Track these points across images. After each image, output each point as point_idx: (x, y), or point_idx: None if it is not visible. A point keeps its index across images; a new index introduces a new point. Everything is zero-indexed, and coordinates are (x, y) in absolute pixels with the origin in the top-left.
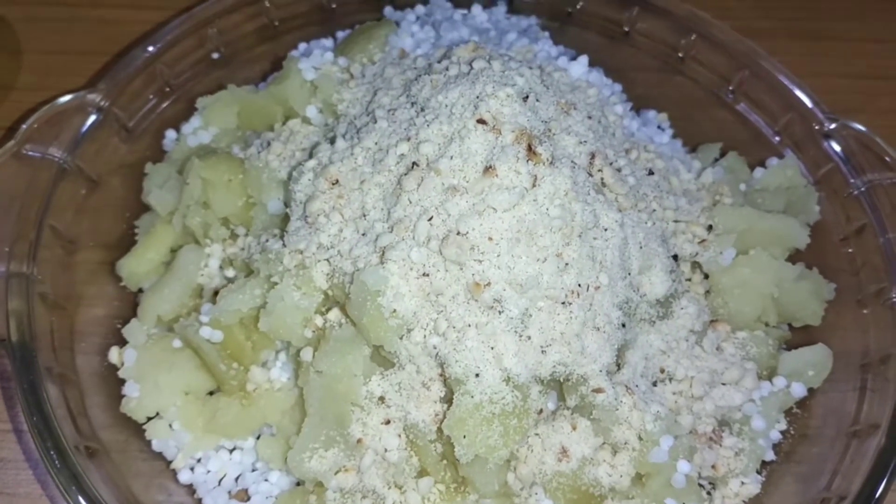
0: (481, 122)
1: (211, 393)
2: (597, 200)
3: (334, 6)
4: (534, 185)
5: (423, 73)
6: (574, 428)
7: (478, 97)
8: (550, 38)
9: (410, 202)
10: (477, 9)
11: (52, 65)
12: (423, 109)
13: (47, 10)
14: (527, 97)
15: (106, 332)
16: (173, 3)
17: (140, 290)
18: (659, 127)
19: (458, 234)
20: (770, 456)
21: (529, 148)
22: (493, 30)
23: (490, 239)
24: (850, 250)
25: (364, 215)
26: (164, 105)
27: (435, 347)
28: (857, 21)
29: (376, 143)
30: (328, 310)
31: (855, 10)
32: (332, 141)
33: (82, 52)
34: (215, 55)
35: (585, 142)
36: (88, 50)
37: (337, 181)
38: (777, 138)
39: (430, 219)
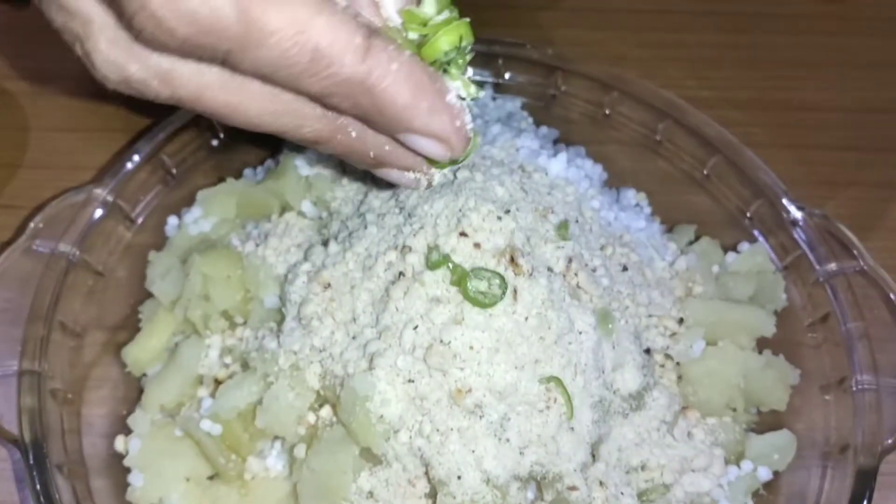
0: (464, 234)
1: (211, 477)
2: (571, 305)
3: None
4: (514, 299)
5: None
6: None
7: (460, 210)
8: (534, 121)
9: (397, 310)
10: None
11: (58, 142)
12: (410, 216)
13: (53, 85)
14: (508, 210)
15: (111, 415)
16: None
17: (144, 375)
18: (637, 205)
19: (442, 343)
20: None
21: (512, 259)
22: (479, 118)
23: (471, 348)
24: (815, 335)
25: (354, 319)
26: (166, 193)
27: (420, 449)
28: (831, 90)
29: (366, 249)
30: (321, 405)
31: (828, 80)
32: (326, 244)
33: (87, 130)
34: (214, 142)
35: (562, 247)
36: (93, 127)
37: (329, 285)
38: (749, 223)
39: (415, 327)
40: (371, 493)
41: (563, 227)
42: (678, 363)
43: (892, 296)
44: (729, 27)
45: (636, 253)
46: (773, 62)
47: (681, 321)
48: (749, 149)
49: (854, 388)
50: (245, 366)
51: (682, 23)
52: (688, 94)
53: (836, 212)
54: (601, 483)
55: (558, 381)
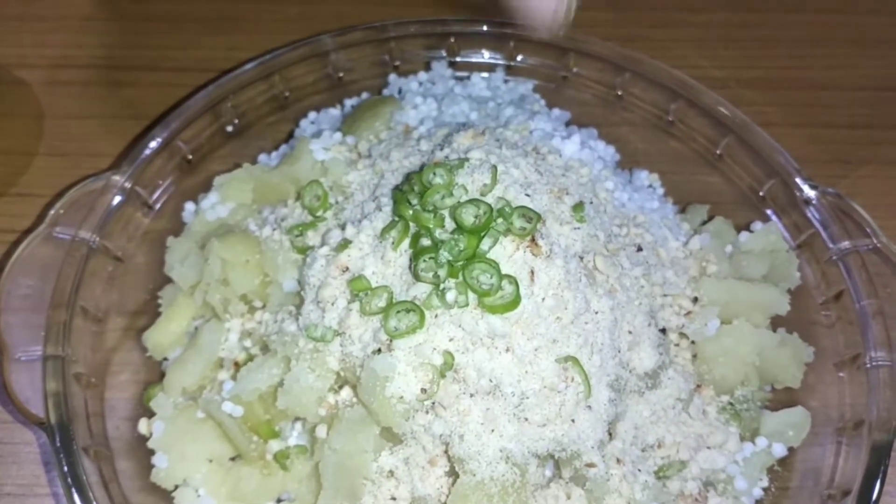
0: None
1: (233, 458)
2: (588, 286)
3: (341, 75)
4: (532, 281)
5: (426, 159)
6: (569, 497)
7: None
8: (546, 103)
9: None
10: (476, 77)
11: (73, 130)
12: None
13: (66, 73)
14: (528, 194)
15: (134, 399)
16: (187, 63)
17: (165, 359)
18: (650, 186)
19: (460, 326)
20: None
21: (532, 240)
22: (491, 100)
23: (488, 328)
24: (829, 314)
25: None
26: (183, 179)
27: (439, 428)
28: (843, 69)
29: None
30: (340, 387)
31: (840, 58)
32: (343, 227)
33: (102, 117)
34: (230, 128)
35: (578, 228)
36: (107, 115)
37: (347, 268)
38: (762, 202)
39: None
40: (392, 472)
41: (578, 209)
42: (693, 342)
43: None
44: (739, 6)
45: (650, 233)
46: (784, 41)
47: (695, 300)
48: (761, 128)
49: (868, 365)
50: (265, 349)
51: (692, 2)
52: (699, 74)
53: (850, 190)
54: (618, 460)
55: (575, 360)
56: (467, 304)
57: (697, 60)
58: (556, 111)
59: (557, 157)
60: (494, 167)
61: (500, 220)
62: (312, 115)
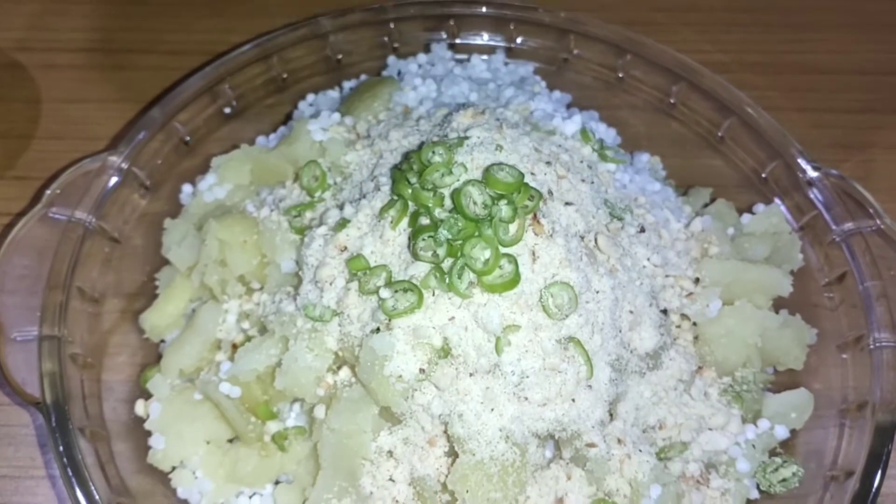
0: None
1: (231, 439)
2: (588, 265)
3: (339, 57)
4: (533, 260)
5: (426, 139)
6: (569, 477)
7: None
8: (546, 85)
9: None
10: (476, 59)
11: (70, 113)
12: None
13: (64, 57)
14: (534, 172)
15: (131, 381)
16: (185, 46)
17: (162, 341)
18: (651, 168)
19: (460, 306)
20: (755, 494)
21: (535, 217)
22: (492, 82)
23: (487, 307)
24: (832, 295)
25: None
26: (181, 160)
27: (439, 407)
28: (846, 53)
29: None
30: (339, 367)
31: (843, 42)
32: (341, 207)
33: (100, 100)
34: (227, 110)
35: (579, 209)
36: (105, 97)
37: (345, 248)
38: (764, 184)
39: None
40: (391, 453)
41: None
42: (695, 323)
43: None
44: None
45: (652, 214)
46: (787, 25)
47: (697, 281)
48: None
49: (872, 347)
50: (263, 330)
51: None
52: (703, 58)
53: (852, 174)
54: (619, 440)
55: (577, 341)
56: (467, 283)
57: (700, 45)
58: (557, 94)
59: (559, 137)
60: (498, 146)
61: (503, 205)
62: (311, 97)
